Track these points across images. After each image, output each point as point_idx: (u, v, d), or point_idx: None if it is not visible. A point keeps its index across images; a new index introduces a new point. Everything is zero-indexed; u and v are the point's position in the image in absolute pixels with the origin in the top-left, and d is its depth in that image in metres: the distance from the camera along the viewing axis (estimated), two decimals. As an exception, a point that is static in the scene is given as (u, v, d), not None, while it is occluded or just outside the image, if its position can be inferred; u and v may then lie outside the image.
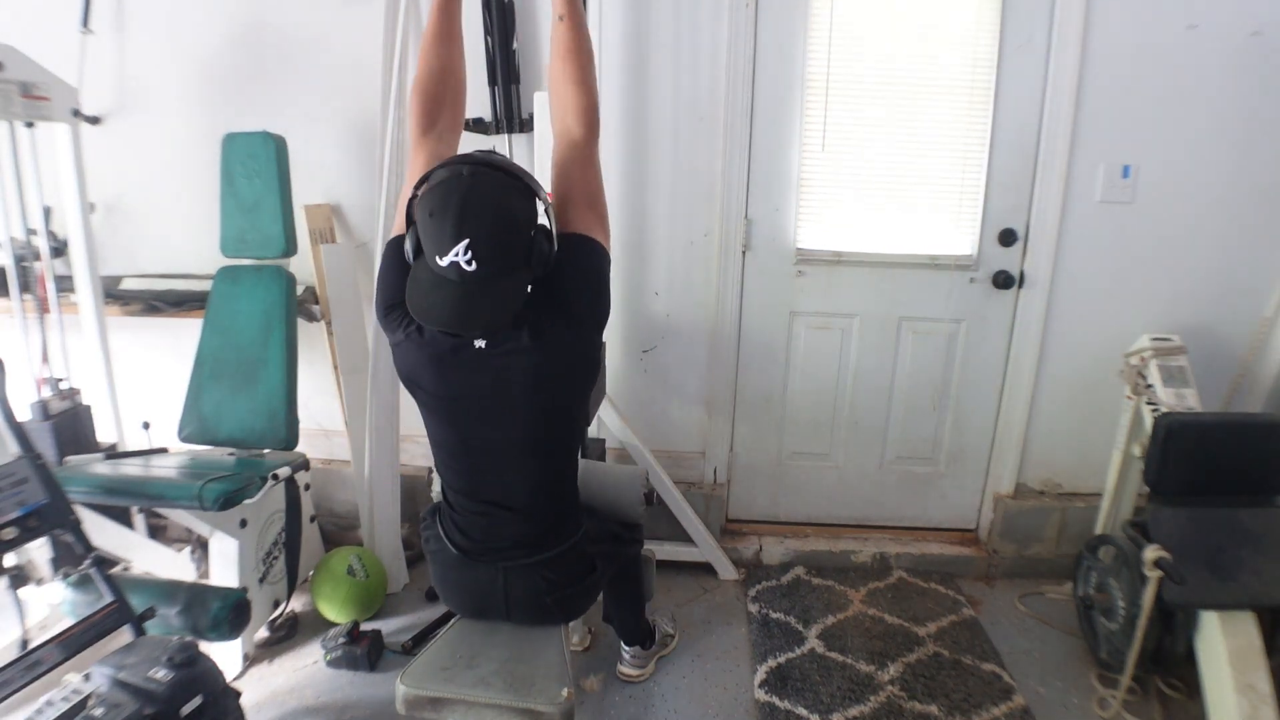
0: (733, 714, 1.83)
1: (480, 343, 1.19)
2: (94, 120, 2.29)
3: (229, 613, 1.75)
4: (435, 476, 1.45)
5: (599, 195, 1.30)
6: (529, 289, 1.17)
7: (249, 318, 2.12)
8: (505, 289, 1.12)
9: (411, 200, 1.16)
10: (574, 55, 1.28)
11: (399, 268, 1.21)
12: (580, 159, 1.29)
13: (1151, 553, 1.67)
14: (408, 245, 1.16)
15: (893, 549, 2.44)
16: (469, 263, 1.07)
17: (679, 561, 2.38)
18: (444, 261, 1.08)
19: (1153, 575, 1.66)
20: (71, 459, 2.05)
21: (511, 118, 2.18)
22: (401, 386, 1.35)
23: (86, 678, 1.31)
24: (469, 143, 2.19)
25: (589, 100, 1.29)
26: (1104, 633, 1.94)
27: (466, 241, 1.06)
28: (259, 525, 1.98)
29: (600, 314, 1.25)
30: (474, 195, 1.08)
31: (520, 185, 1.15)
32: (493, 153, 1.18)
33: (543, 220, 1.19)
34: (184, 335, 2.25)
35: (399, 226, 1.25)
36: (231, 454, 2.09)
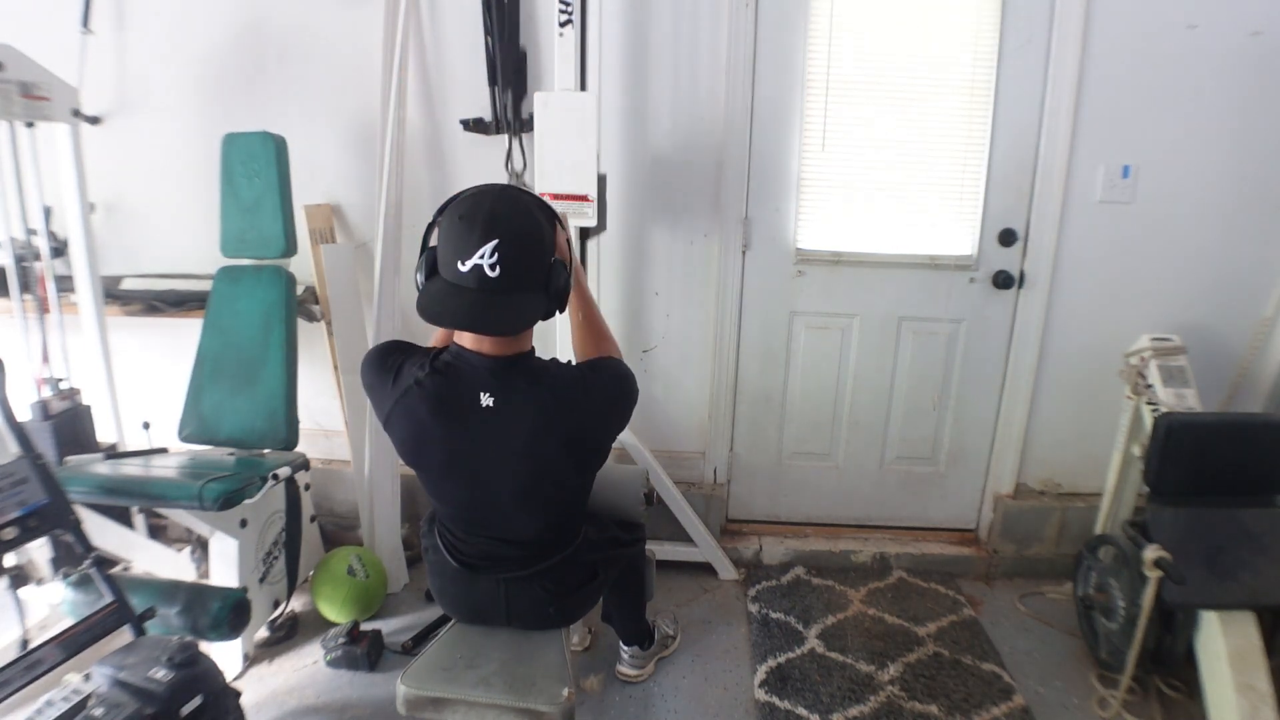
0: (733, 714, 1.83)
1: (488, 399, 1.18)
2: (94, 120, 2.29)
3: (229, 613, 1.74)
4: None
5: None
6: (544, 314, 1.17)
7: (249, 318, 2.12)
8: (521, 303, 1.13)
9: (430, 226, 1.19)
10: (597, 337, 1.43)
11: (384, 364, 1.24)
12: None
13: (1151, 553, 1.67)
14: (419, 275, 1.16)
15: (893, 549, 2.44)
16: (492, 268, 1.08)
17: (679, 561, 2.38)
18: (466, 266, 1.08)
19: (1153, 575, 1.67)
20: (71, 459, 2.05)
21: (511, 118, 2.18)
22: None
23: (86, 678, 1.31)
24: (469, 142, 2.22)
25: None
26: (1104, 633, 1.94)
27: (495, 242, 1.07)
28: (259, 525, 1.98)
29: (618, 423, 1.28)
30: (505, 203, 1.13)
31: (546, 209, 1.19)
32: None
33: (562, 255, 1.21)
34: (184, 335, 2.25)
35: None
36: (231, 454, 2.09)
